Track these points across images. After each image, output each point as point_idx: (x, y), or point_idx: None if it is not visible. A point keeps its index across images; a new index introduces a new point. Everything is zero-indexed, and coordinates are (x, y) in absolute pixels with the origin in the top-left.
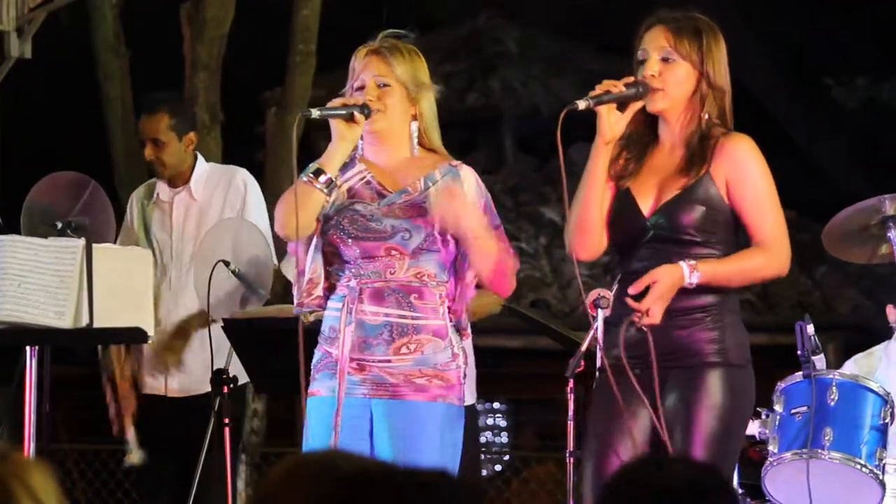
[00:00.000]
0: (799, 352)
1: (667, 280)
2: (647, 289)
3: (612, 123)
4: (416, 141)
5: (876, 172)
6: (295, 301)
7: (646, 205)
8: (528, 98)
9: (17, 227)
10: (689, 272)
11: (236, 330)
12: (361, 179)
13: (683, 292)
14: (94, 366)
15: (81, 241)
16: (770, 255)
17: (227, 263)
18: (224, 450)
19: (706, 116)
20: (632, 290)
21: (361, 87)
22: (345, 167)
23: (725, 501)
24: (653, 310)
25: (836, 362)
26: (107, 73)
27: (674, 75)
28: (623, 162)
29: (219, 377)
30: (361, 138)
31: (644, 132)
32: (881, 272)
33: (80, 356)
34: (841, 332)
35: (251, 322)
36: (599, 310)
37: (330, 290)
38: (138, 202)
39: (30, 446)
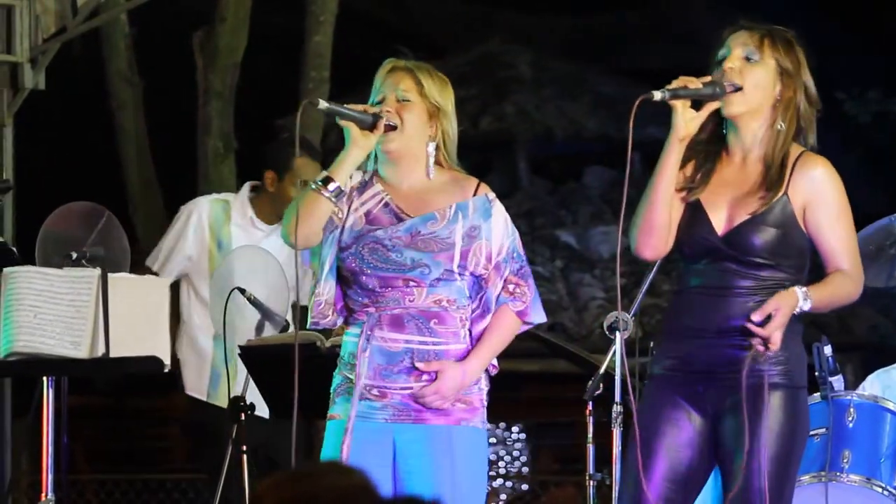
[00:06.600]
0: (817, 373)
1: (787, 309)
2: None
3: (687, 121)
4: (432, 162)
5: (890, 186)
6: (310, 316)
7: (718, 222)
8: (542, 121)
9: (32, 258)
10: (803, 299)
11: (253, 357)
12: (380, 202)
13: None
14: (110, 395)
15: (97, 271)
16: (856, 283)
17: (242, 291)
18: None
19: (780, 127)
20: (756, 318)
21: (381, 101)
22: (363, 187)
23: None
24: (774, 336)
25: (853, 383)
26: (120, 103)
27: (754, 76)
28: (691, 172)
29: (236, 405)
30: (376, 156)
31: (712, 140)
32: None
33: (97, 386)
34: (858, 353)
35: (268, 349)
36: (617, 333)
37: (347, 311)
38: None
39: (48, 477)
